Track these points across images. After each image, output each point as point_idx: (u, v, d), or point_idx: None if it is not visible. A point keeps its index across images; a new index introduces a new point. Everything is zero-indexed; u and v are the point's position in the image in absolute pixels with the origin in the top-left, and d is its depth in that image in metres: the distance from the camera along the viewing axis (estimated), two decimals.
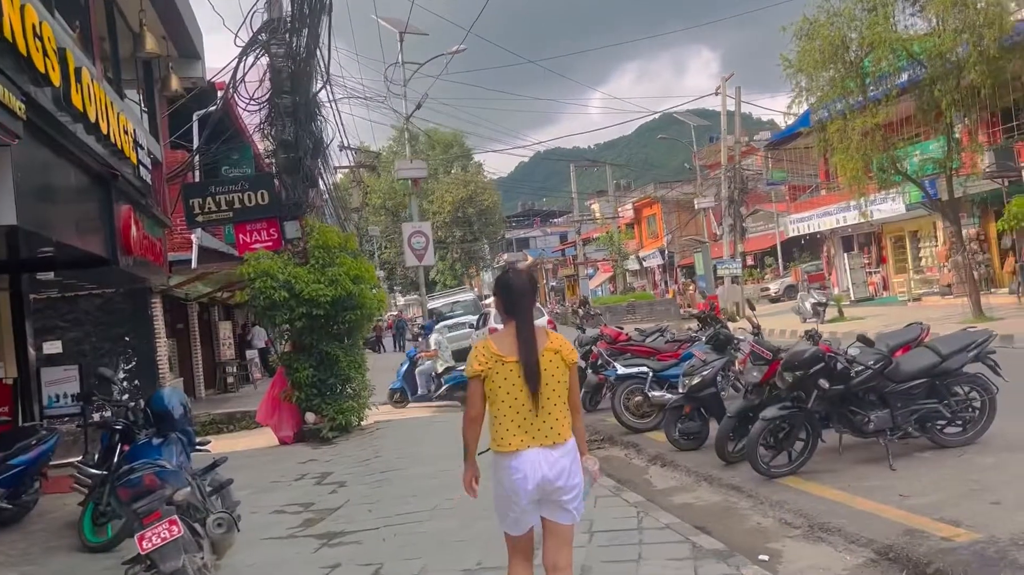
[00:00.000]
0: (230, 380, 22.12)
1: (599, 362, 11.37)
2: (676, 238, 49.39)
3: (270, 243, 12.92)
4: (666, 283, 50.94)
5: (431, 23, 24.65)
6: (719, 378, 8.52)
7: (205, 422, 15.68)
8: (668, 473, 7.96)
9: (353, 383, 12.66)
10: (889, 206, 24.26)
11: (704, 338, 9.24)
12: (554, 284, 71.82)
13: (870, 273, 29.80)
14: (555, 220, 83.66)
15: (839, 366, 6.55)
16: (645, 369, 9.88)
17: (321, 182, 14.36)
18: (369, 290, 12.46)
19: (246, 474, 9.65)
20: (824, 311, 21.50)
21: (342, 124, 40.68)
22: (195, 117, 16.08)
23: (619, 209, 53.19)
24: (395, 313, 52.19)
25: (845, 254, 30.55)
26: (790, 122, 28.59)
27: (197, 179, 15.29)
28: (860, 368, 6.59)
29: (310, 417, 12.31)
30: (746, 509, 6.30)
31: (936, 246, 26.71)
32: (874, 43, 17.67)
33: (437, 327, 24.70)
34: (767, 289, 39.30)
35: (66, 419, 11.46)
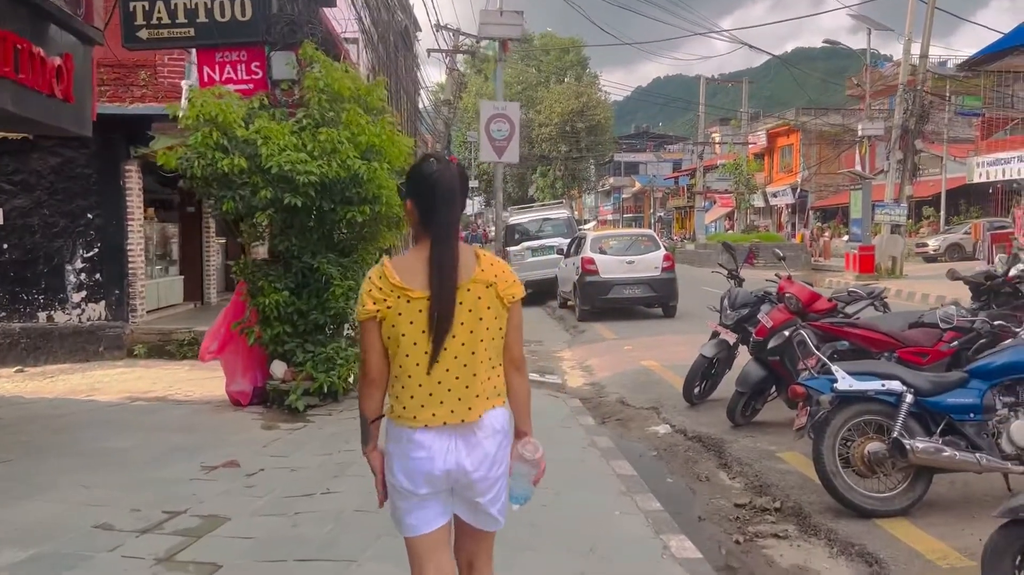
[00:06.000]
0: None
1: (778, 347, 6.24)
2: (813, 175, 42.46)
3: (251, 85, 8.14)
4: (794, 226, 44.19)
5: None
6: None
7: (183, 341, 11.35)
8: None
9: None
10: None
11: None
12: (661, 215, 65.60)
13: None
14: (670, 147, 76.57)
15: None
16: (898, 386, 4.66)
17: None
18: (389, 175, 7.53)
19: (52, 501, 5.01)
20: None
21: None
22: None
23: (749, 137, 46.38)
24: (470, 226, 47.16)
25: None
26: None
27: None
28: None
29: (277, 368, 7.67)
30: None
31: None
32: None
33: (516, 249, 19.84)
34: (923, 245, 32.49)
35: None
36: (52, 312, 11.46)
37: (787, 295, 6.60)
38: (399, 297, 2.42)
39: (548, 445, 5.72)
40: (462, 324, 2.43)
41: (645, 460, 6.21)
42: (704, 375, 7.61)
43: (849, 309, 7.17)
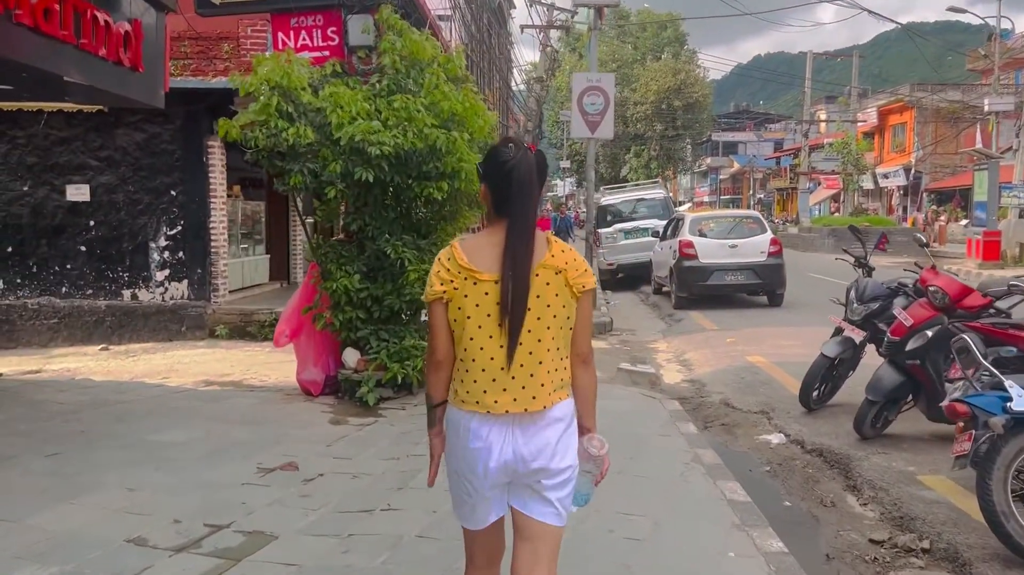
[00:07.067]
0: None
1: (919, 349, 5.29)
2: (928, 155, 39.68)
3: (327, 52, 7.60)
4: (906, 209, 41.49)
5: None
6: None
7: (264, 322, 11.01)
8: None
9: None
10: None
11: None
12: (761, 196, 63.04)
13: None
14: (771, 126, 73.39)
15: None
16: None
17: None
18: (471, 149, 6.84)
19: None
20: None
21: None
22: None
23: (858, 114, 43.75)
24: (550, 207, 45.86)
25: None
26: None
27: None
28: None
29: (350, 357, 7.13)
30: None
31: None
32: None
33: (608, 231, 18.94)
34: None
35: None
36: (136, 290, 11.33)
37: (931, 288, 5.58)
38: (466, 279, 2.37)
39: (645, 458, 4.94)
40: (529, 310, 2.36)
41: (756, 476, 5.37)
42: (824, 377, 6.66)
43: (1000, 304, 6.09)
